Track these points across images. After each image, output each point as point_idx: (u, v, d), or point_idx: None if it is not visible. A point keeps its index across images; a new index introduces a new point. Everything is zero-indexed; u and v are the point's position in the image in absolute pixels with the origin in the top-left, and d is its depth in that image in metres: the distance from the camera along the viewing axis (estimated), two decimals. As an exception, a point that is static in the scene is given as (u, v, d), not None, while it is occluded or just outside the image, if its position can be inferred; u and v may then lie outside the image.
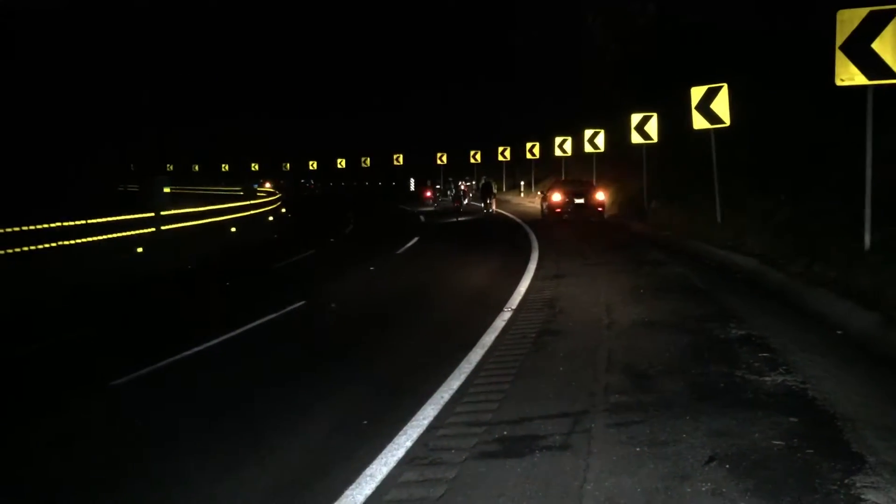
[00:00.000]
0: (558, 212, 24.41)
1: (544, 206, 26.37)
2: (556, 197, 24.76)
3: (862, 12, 9.32)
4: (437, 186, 45.58)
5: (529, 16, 46.18)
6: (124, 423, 6.34)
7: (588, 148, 28.13)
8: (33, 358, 9.23)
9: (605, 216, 24.18)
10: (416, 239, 20.87)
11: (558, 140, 33.15)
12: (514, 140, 43.28)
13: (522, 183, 42.33)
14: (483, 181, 34.09)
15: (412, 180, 54.00)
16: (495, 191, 33.65)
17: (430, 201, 42.35)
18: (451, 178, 43.86)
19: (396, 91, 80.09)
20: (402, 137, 68.46)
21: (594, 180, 27.68)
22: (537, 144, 38.95)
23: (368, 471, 4.64)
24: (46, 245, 15.72)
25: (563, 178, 30.12)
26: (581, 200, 24.17)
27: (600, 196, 24.55)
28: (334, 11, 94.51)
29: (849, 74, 9.45)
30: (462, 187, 37.61)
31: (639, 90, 26.11)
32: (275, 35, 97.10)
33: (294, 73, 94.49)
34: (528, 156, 39.57)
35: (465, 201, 36.05)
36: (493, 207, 32.42)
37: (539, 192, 31.82)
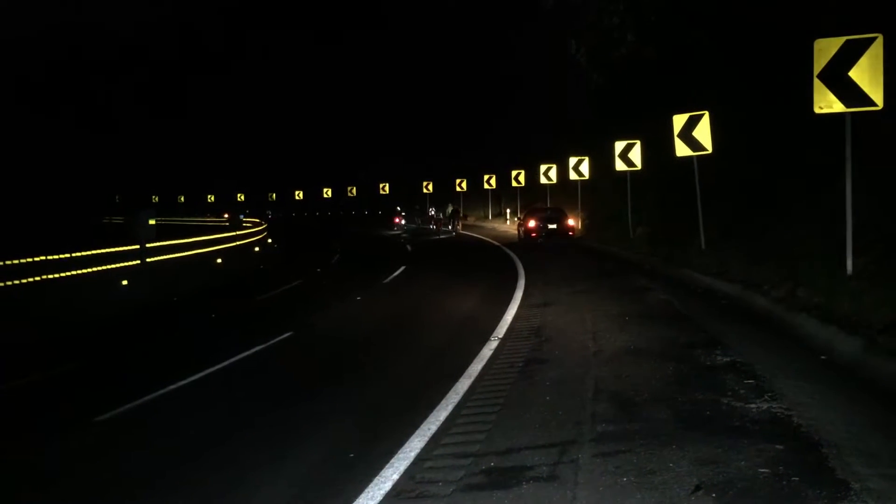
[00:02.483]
0: (534, 236, 27.07)
1: (521, 231, 29.13)
2: (531, 223, 27.59)
3: (839, 41, 9.47)
4: (404, 214, 52.57)
5: (517, 47, 46.66)
6: (107, 460, 6.29)
7: (573, 175, 28.34)
8: (17, 394, 9.16)
9: (576, 237, 26.98)
10: (402, 268, 20.87)
11: (543, 168, 33.34)
12: (502, 168, 43.54)
13: (508, 210, 42.63)
14: (451, 209, 42.85)
15: (398, 209, 54.92)
16: (462, 216, 43.15)
17: (397, 226, 49.75)
18: (417, 207, 54.09)
19: (384, 119, 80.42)
20: (390, 167, 68.93)
21: (578, 205, 29.10)
22: (522, 172, 39.17)
23: (355, 505, 4.62)
24: (29, 280, 15.63)
25: (545, 205, 31.49)
26: (553, 226, 26.99)
27: (570, 222, 27.47)
28: (320, 45, 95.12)
29: (827, 102, 9.58)
30: (440, 215, 45.74)
31: (623, 118, 26.38)
32: (256, 64, 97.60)
33: (283, 104, 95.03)
34: (514, 183, 39.79)
35: (435, 226, 44.23)
36: (459, 229, 40.34)
37: (516, 219, 34.95)
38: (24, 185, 75.78)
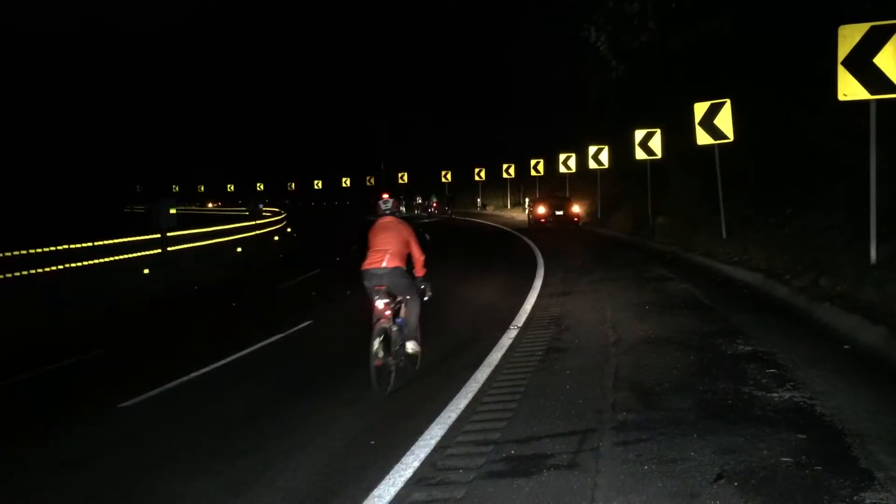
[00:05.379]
0: (542, 221, 29.60)
1: (531, 217, 31.86)
2: (541, 210, 30.20)
3: (863, 27, 9.34)
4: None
5: (532, 38, 46.60)
6: (134, 445, 6.36)
7: (592, 164, 28.24)
8: (45, 380, 9.29)
9: (581, 223, 29.34)
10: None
11: (562, 157, 33.23)
12: (521, 157, 43.45)
13: (527, 200, 42.51)
14: (449, 195, 51.23)
15: (418, 198, 55.09)
16: (482, 205, 50.96)
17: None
18: (402, 196, 57.07)
19: (402, 111, 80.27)
20: (409, 156, 69.04)
21: (598, 194, 29.10)
22: (541, 161, 39.05)
23: (376, 492, 4.64)
24: (52, 268, 15.79)
25: (552, 194, 33.40)
26: (560, 212, 29.51)
27: (576, 209, 30.00)
28: (341, 39, 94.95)
29: (851, 89, 9.46)
30: (426, 202, 52.58)
31: (643, 106, 26.23)
32: (276, 57, 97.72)
33: (301, 96, 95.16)
34: (533, 173, 39.68)
35: (434, 210, 50.30)
36: (453, 214, 47.16)
37: (527, 206, 37.44)
38: (46, 175, 76.59)
